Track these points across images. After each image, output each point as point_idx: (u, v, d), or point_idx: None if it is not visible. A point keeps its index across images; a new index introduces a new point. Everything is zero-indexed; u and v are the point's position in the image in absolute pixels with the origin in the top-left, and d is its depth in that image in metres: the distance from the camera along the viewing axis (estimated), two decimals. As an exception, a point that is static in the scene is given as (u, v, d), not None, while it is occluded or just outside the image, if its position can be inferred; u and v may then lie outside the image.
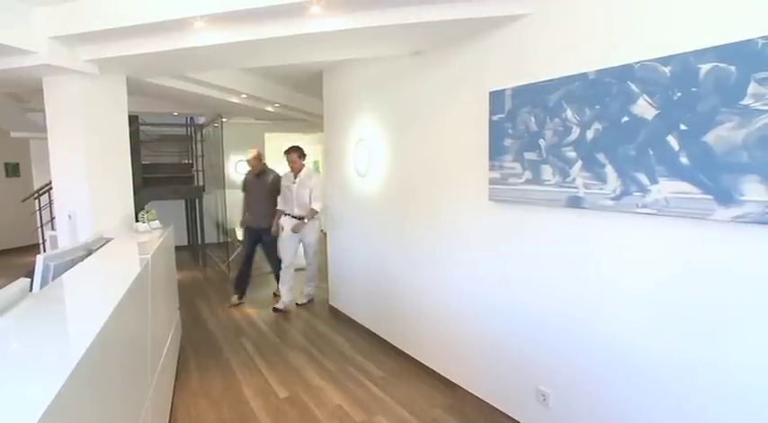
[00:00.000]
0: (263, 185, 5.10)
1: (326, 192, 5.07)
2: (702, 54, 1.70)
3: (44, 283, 1.99)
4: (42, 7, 2.83)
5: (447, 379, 3.26)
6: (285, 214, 4.97)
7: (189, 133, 8.31)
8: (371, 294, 4.23)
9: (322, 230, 5.44)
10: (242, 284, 5.26)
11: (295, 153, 4.88)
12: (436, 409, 2.90)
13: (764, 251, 1.62)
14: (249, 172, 5.26)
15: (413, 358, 3.61)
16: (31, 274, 1.95)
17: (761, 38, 1.54)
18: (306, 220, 4.82)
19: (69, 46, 3.08)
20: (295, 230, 4.83)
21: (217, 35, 2.80)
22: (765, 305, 1.63)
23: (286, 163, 4.92)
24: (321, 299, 5.38)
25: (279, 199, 5.04)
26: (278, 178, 5.08)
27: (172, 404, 2.93)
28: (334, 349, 3.91)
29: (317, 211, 4.81)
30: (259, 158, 5.13)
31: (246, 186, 5.27)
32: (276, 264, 5.23)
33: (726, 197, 1.67)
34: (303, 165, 4.90)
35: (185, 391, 3.15)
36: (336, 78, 4.73)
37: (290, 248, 4.95)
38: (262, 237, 5.12)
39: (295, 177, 4.88)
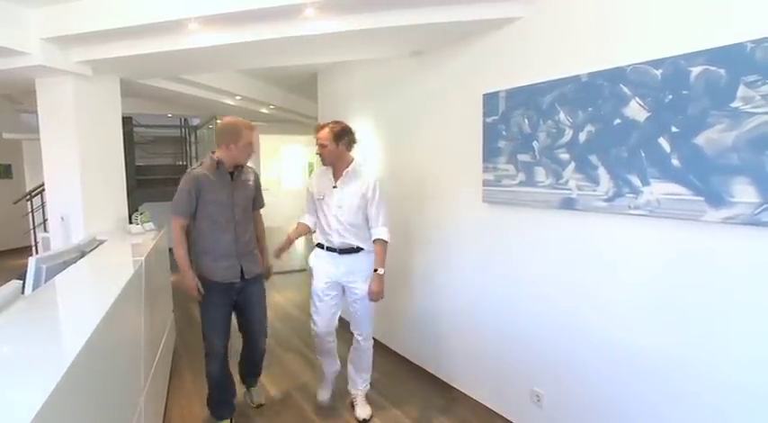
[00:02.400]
0: (241, 192, 2.61)
1: None
2: (693, 57, 1.72)
3: (36, 285, 1.98)
4: (35, 8, 2.82)
5: (442, 380, 3.26)
6: (318, 246, 2.80)
7: (183, 135, 8.28)
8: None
9: None
10: (224, 399, 2.73)
11: (331, 131, 2.63)
12: (431, 411, 2.90)
13: (754, 251, 1.64)
14: (208, 165, 2.51)
15: (408, 360, 3.61)
16: (23, 277, 1.94)
17: (750, 41, 1.56)
18: (380, 271, 2.65)
19: (62, 47, 3.07)
20: (375, 293, 2.65)
21: (211, 37, 2.80)
22: (756, 304, 1.65)
23: (317, 154, 2.73)
24: (316, 300, 5.36)
25: (306, 216, 2.87)
26: (258, 180, 2.81)
27: (166, 406, 2.91)
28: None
29: (386, 242, 2.69)
30: (240, 133, 2.49)
31: (204, 195, 2.49)
32: (259, 354, 2.91)
33: (716, 199, 1.69)
34: (351, 157, 2.73)
35: (179, 392, 3.14)
36: (331, 80, 4.73)
37: (327, 308, 2.79)
38: (248, 296, 2.70)
39: (335, 177, 2.73)
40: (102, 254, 2.69)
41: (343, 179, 2.72)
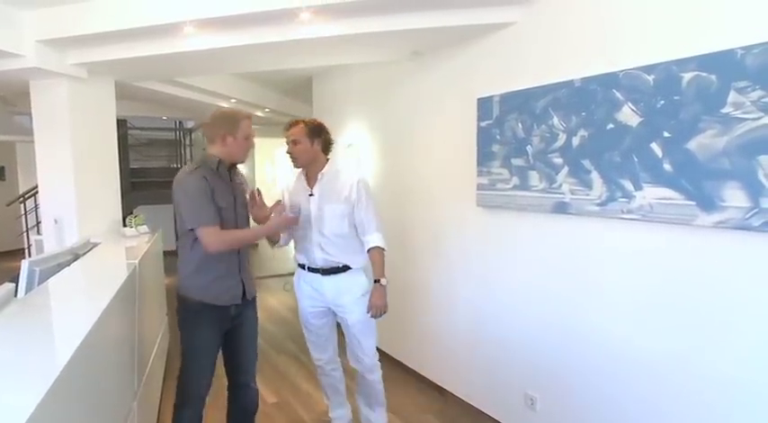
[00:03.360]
0: (240, 197, 2.22)
1: None
2: (684, 63, 1.74)
3: (29, 288, 1.97)
4: (30, 10, 2.81)
5: (436, 384, 3.26)
6: (300, 266, 2.48)
7: (178, 137, 8.26)
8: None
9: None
10: None
11: (306, 126, 2.34)
12: (426, 415, 2.91)
13: (745, 256, 1.65)
14: (209, 165, 2.08)
15: (402, 364, 3.61)
16: (16, 280, 1.93)
17: (740, 48, 1.58)
18: (382, 282, 2.33)
19: (57, 49, 3.06)
20: (377, 307, 2.32)
21: (206, 40, 2.80)
22: (747, 307, 1.66)
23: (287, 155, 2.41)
24: (310, 304, 5.35)
25: (296, 231, 2.42)
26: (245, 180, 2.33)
27: (159, 409, 2.90)
28: (324, 354, 3.89)
29: (382, 249, 2.37)
30: (238, 123, 2.10)
31: (215, 200, 2.05)
32: (254, 403, 2.33)
33: (708, 203, 1.70)
34: (324, 157, 2.41)
35: (173, 395, 3.12)
36: (326, 84, 4.74)
37: (319, 337, 2.53)
38: (244, 322, 2.22)
39: (309, 183, 2.41)
40: (95, 257, 2.68)
41: (320, 183, 2.35)
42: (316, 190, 2.37)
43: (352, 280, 2.39)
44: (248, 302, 2.22)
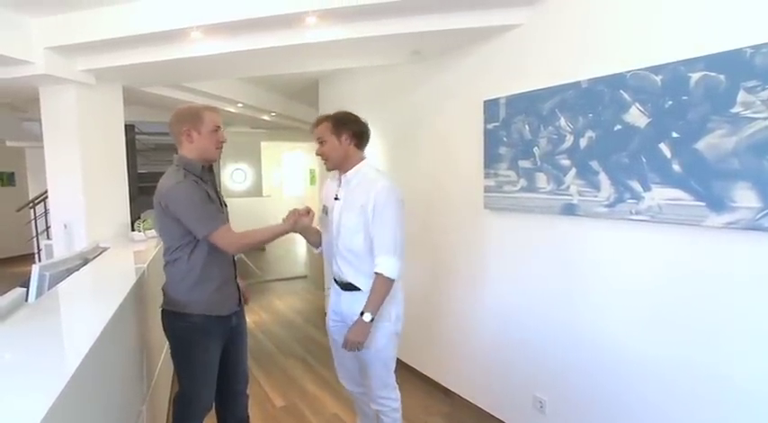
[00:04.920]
0: (221, 197, 2.14)
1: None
2: (692, 63, 1.73)
3: (40, 292, 1.98)
4: (39, 18, 2.84)
5: (444, 387, 3.25)
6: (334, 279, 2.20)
7: (185, 142, 8.30)
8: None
9: None
10: None
11: (330, 120, 2.08)
12: (433, 417, 2.89)
13: (756, 256, 1.64)
14: (190, 170, 1.95)
15: (410, 366, 3.60)
16: (26, 284, 1.94)
17: (749, 47, 1.57)
18: (365, 318, 1.99)
19: (66, 56, 3.09)
20: (350, 341, 2.00)
21: (213, 45, 2.82)
22: (758, 308, 1.65)
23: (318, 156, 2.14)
24: (318, 307, 5.36)
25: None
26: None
27: (168, 412, 2.91)
28: (331, 357, 3.88)
29: (386, 278, 1.98)
30: (200, 115, 1.95)
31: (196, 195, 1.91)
32: (244, 410, 2.26)
33: (718, 204, 1.69)
34: (358, 154, 2.12)
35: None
36: (332, 87, 4.76)
37: (340, 358, 2.30)
38: (239, 328, 2.16)
39: (339, 185, 2.15)
40: (104, 261, 2.70)
41: (346, 187, 2.07)
42: (341, 193, 2.10)
43: (359, 304, 2.02)
44: (238, 312, 2.13)
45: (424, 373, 3.45)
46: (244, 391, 2.23)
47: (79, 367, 1.11)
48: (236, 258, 2.13)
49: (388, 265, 1.96)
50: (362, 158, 2.12)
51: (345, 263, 2.06)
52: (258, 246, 1.97)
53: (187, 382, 1.99)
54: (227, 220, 1.97)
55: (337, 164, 2.09)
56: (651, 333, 1.98)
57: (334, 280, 2.17)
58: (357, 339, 1.98)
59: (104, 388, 1.44)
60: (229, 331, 2.07)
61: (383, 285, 1.98)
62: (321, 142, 2.07)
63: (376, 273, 1.98)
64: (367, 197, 1.99)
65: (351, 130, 2.06)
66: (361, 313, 1.97)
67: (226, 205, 2.13)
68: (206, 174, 2.01)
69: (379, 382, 2.15)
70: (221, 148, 2.01)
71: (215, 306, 1.97)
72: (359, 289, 2.04)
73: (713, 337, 1.78)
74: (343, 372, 2.31)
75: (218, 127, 1.96)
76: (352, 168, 2.08)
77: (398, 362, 3.64)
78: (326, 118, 2.09)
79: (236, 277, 2.10)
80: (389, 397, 2.18)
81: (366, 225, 1.99)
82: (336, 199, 2.11)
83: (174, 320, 1.96)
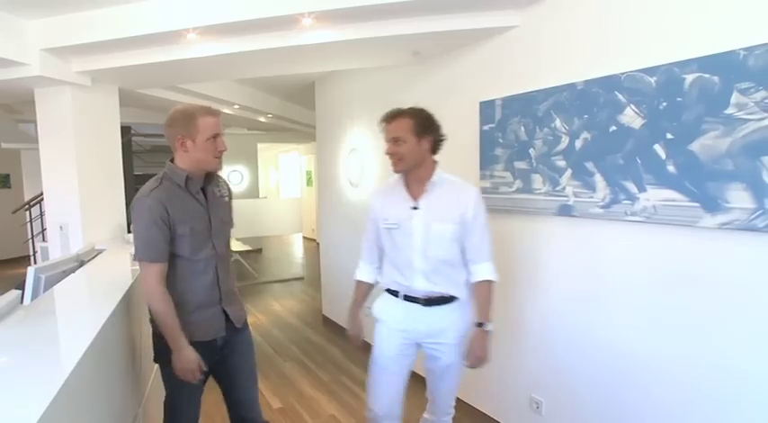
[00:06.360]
0: (218, 214, 1.87)
1: (324, 207, 4.65)
2: (686, 65, 1.74)
3: (35, 294, 1.97)
4: (35, 19, 2.83)
5: (441, 388, 3.25)
6: (390, 292, 2.01)
7: (181, 144, 8.29)
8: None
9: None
10: None
11: (412, 119, 1.87)
12: (430, 419, 2.89)
13: (750, 257, 1.65)
14: (171, 182, 1.80)
15: (407, 367, 3.60)
16: (21, 286, 1.94)
17: (742, 49, 1.58)
18: (488, 327, 1.91)
19: (62, 58, 3.08)
20: (479, 358, 1.91)
21: (209, 47, 2.82)
22: (753, 308, 1.65)
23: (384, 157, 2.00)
24: (314, 309, 5.36)
25: (362, 264, 2.12)
26: (231, 192, 2.00)
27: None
28: (328, 359, 3.89)
29: (493, 283, 1.94)
30: (194, 120, 1.72)
31: (175, 226, 1.74)
32: None
33: (712, 205, 1.70)
34: (432, 160, 1.94)
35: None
36: (329, 89, 4.76)
37: (395, 382, 2.02)
38: (236, 349, 1.95)
39: (411, 192, 1.93)
40: (100, 263, 2.69)
41: (429, 194, 1.88)
42: (422, 202, 1.88)
43: (461, 315, 1.93)
44: (237, 330, 1.91)
45: (421, 375, 3.44)
46: (255, 420, 2.01)
47: (74, 370, 1.10)
48: (225, 278, 1.87)
49: (493, 270, 1.92)
50: (436, 163, 1.94)
51: (438, 275, 1.88)
52: (155, 317, 1.71)
53: (168, 393, 1.87)
54: (164, 258, 1.70)
55: (410, 167, 1.88)
56: (646, 333, 1.99)
57: (409, 297, 1.92)
58: (485, 353, 1.89)
59: (100, 391, 1.43)
60: (216, 354, 1.85)
61: (494, 292, 1.92)
62: (397, 141, 1.85)
63: (484, 280, 1.91)
64: (461, 203, 1.87)
65: (433, 136, 1.88)
66: (479, 324, 1.89)
67: (227, 222, 1.91)
68: (195, 188, 1.78)
69: (455, 391, 2.09)
70: (220, 157, 1.77)
71: (189, 331, 1.73)
72: (453, 299, 1.91)
73: (708, 337, 1.78)
74: (388, 397, 1.99)
75: (217, 134, 1.72)
76: (428, 175, 1.89)
77: (395, 363, 3.65)
78: (408, 115, 1.86)
79: (221, 300, 1.84)
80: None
81: (461, 233, 1.87)
82: (415, 208, 1.88)
83: (154, 336, 1.81)
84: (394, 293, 1.97)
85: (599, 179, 2.09)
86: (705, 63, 1.69)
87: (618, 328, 2.11)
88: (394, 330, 1.96)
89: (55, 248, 3.54)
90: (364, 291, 2.10)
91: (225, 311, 1.85)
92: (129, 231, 3.73)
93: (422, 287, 1.89)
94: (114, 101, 3.78)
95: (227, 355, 1.90)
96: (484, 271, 1.91)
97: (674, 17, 1.83)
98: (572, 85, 2.18)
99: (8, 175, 8.98)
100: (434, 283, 1.89)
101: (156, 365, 1.87)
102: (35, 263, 4.82)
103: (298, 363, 3.84)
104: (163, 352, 1.76)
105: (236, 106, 5.86)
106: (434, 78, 3.17)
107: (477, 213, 1.88)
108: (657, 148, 1.86)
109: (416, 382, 3.40)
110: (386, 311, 2.00)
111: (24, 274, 2.02)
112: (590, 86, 2.10)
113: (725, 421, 1.76)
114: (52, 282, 2.06)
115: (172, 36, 2.70)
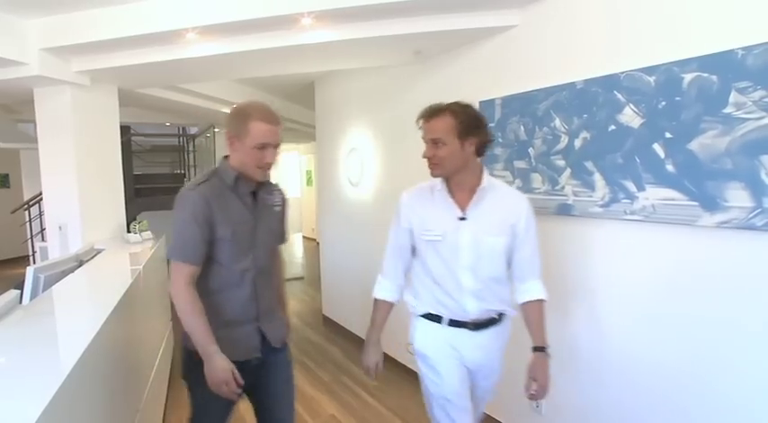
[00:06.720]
0: (266, 222, 1.73)
1: (324, 206, 4.67)
2: (685, 64, 1.74)
3: (34, 294, 1.98)
4: (34, 19, 2.83)
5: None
6: (430, 317, 1.74)
7: (181, 143, 8.29)
8: (365, 303, 4.21)
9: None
10: None
11: (454, 118, 1.61)
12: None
13: (749, 255, 1.65)
14: (219, 180, 1.63)
15: (407, 367, 3.60)
16: (21, 286, 1.94)
17: (740, 48, 1.58)
18: (546, 351, 1.76)
19: (61, 57, 3.08)
20: (545, 388, 1.74)
21: (208, 47, 2.81)
22: (752, 307, 1.65)
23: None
24: (314, 308, 5.36)
25: (383, 280, 1.84)
26: (287, 203, 1.90)
27: (164, 417, 2.90)
28: (328, 359, 3.89)
29: (543, 301, 1.78)
30: (246, 123, 1.58)
31: (216, 228, 1.58)
32: None
33: (711, 203, 1.70)
34: (478, 163, 1.70)
35: (177, 403, 3.12)
36: (328, 88, 4.76)
37: (459, 405, 1.71)
38: (272, 374, 1.76)
39: (456, 199, 1.68)
40: (100, 263, 2.69)
41: (478, 203, 1.64)
42: (471, 212, 1.64)
43: (503, 332, 1.78)
44: (275, 350, 1.72)
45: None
46: None
47: (73, 370, 1.10)
48: (264, 294, 1.71)
49: (544, 288, 1.75)
50: (482, 166, 1.70)
51: (488, 293, 1.67)
52: (182, 320, 1.54)
53: (192, 414, 1.70)
54: (198, 260, 1.55)
55: (451, 173, 1.65)
56: (646, 332, 1.99)
57: (456, 322, 1.68)
58: (549, 381, 1.71)
59: (99, 391, 1.43)
60: (251, 376, 1.63)
61: (538, 309, 1.74)
62: (436, 143, 1.61)
63: (535, 300, 1.73)
64: (512, 213, 1.67)
65: (480, 138, 1.62)
66: (540, 348, 1.71)
67: (276, 234, 1.77)
68: (246, 185, 1.64)
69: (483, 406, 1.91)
70: (265, 169, 1.62)
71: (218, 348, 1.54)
72: (503, 315, 1.74)
73: (707, 336, 1.78)
74: (461, 415, 1.72)
75: (266, 144, 1.57)
76: (475, 180, 1.65)
77: (394, 361, 3.66)
78: (450, 112, 1.61)
79: (258, 318, 1.67)
80: None
81: (511, 246, 1.68)
82: (463, 219, 1.64)
83: (183, 346, 1.63)
84: (435, 319, 1.71)
85: (598, 178, 2.09)
86: (704, 62, 1.69)
87: (616, 328, 2.11)
88: (450, 364, 1.70)
89: (54, 248, 3.54)
90: (385, 312, 1.81)
91: (261, 330, 1.68)
92: (128, 231, 3.73)
93: (473, 309, 1.66)
94: (113, 100, 3.78)
95: (262, 377, 1.72)
96: (535, 289, 1.73)
97: (672, 17, 1.83)
98: (571, 85, 2.18)
99: (7, 175, 8.98)
100: (486, 302, 1.68)
101: (156, 364, 1.87)
102: (34, 263, 4.82)
103: (298, 362, 3.83)
104: (191, 368, 1.59)
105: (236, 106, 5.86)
106: (433, 78, 3.17)
107: (530, 224, 1.69)
108: (656, 147, 1.86)
109: (416, 383, 3.40)
110: (433, 344, 1.72)
111: (23, 274, 2.02)
112: (589, 86, 2.10)
113: (724, 421, 1.76)
114: (51, 282, 2.06)
115: (171, 36, 2.70)
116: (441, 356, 1.70)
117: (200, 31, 2.64)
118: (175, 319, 4.31)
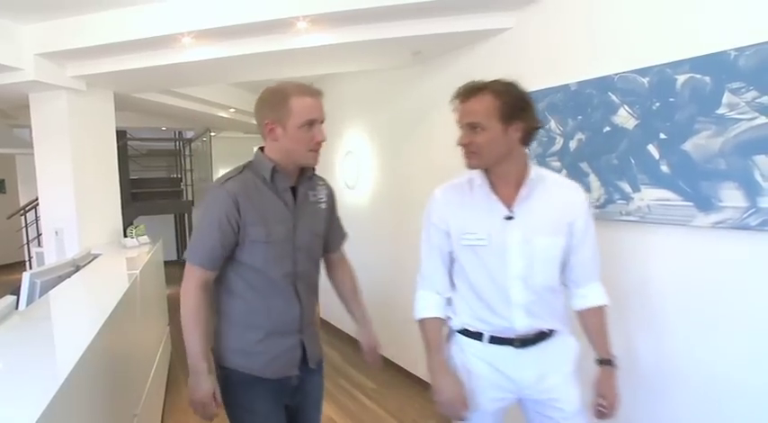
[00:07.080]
0: (308, 222, 1.53)
1: None
2: (678, 65, 1.75)
3: (31, 300, 1.97)
4: (29, 24, 2.83)
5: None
6: (467, 333, 1.49)
7: (177, 148, 8.29)
8: (362, 306, 4.22)
9: None
10: None
11: (496, 98, 1.34)
12: (428, 420, 2.89)
13: (744, 255, 1.65)
14: (253, 174, 1.45)
15: (405, 370, 3.60)
16: (17, 292, 1.93)
17: (733, 49, 1.59)
18: (613, 362, 1.49)
19: (56, 62, 3.08)
20: (615, 406, 1.48)
21: (204, 51, 2.82)
22: (748, 306, 1.66)
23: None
24: (312, 311, 5.35)
25: (426, 293, 1.57)
26: (334, 197, 1.70)
27: (162, 421, 2.89)
28: (326, 362, 3.86)
29: (605, 307, 1.52)
30: (287, 102, 1.39)
31: (247, 228, 1.40)
32: None
33: (705, 204, 1.71)
34: (524, 152, 1.44)
35: (175, 407, 3.11)
36: (325, 91, 4.74)
37: None
38: (306, 397, 1.62)
39: (500, 194, 1.40)
40: (96, 268, 2.68)
41: (527, 199, 1.39)
42: (518, 209, 1.39)
43: (562, 348, 1.48)
44: (311, 371, 1.57)
45: (417, 375, 3.45)
46: None
47: (69, 375, 1.10)
48: (308, 304, 1.53)
49: (604, 292, 1.51)
50: (527, 155, 1.46)
51: (541, 305, 1.41)
52: (183, 322, 1.39)
53: None
54: (212, 265, 1.40)
55: (490, 163, 1.40)
56: (640, 332, 1.99)
57: (498, 339, 1.43)
58: (618, 396, 1.48)
59: (96, 397, 1.43)
60: (290, 396, 1.51)
61: (600, 323, 1.50)
62: (474, 127, 1.37)
63: (596, 306, 1.49)
64: (569, 209, 1.43)
65: (527, 122, 1.36)
66: (606, 361, 1.47)
67: (320, 234, 1.57)
68: (285, 179, 1.45)
69: None
70: (317, 150, 1.44)
71: (253, 363, 1.43)
72: (554, 331, 1.45)
73: (703, 336, 1.79)
74: None
75: (314, 120, 1.39)
76: (522, 171, 1.40)
77: (391, 363, 3.66)
78: (492, 92, 1.35)
79: (301, 329, 1.51)
80: None
81: (566, 249, 1.43)
82: (510, 218, 1.38)
83: (216, 368, 1.48)
84: (476, 336, 1.46)
85: (593, 179, 2.10)
86: (697, 63, 1.70)
87: (613, 328, 2.11)
88: (487, 386, 1.45)
89: (50, 253, 3.53)
90: (438, 331, 1.52)
91: (303, 344, 1.50)
92: (125, 236, 3.72)
93: (523, 325, 1.40)
94: (109, 105, 3.78)
95: (299, 398, 1.55)
96: (596, 294, 1.49)
97: (665, 18, 1.84)
98: (566, 87, 2.19)
99: (3, 181, 8.95)
100: (538, 317, 1.41)
101: (153, 369, 1.86)
102: (30, 268, 4.80)
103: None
104: (228, 391, 1.45)
105: (232, 110, 5.86)
106: (430, 80, 3.18)
107: (589, 221, 1.45)
108: (651, 148, 1.87)
109: (413, 385, 3.40)
110: (463, 362, 1.48)
111: (19, 280, 2.01)
112: (583, 87, 2.11)
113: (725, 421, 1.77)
114: (48, 287, 2.06)
115: (167, 40, 2.70)
116: (477, 382, 1.45)
117: (196, 36, 2.64)
118: (173, 323, 4.30)
